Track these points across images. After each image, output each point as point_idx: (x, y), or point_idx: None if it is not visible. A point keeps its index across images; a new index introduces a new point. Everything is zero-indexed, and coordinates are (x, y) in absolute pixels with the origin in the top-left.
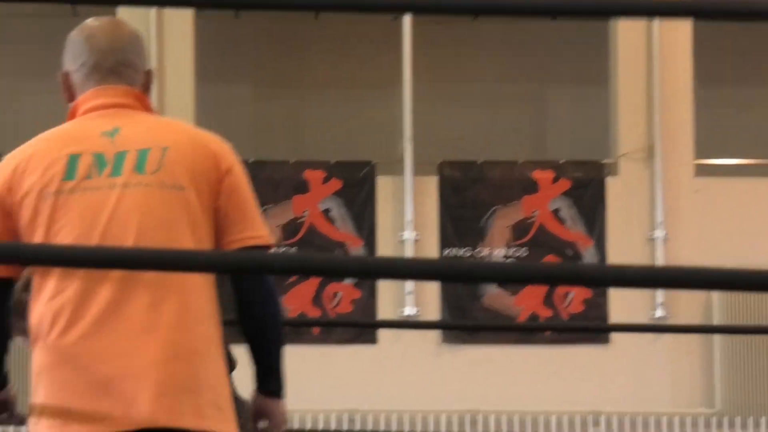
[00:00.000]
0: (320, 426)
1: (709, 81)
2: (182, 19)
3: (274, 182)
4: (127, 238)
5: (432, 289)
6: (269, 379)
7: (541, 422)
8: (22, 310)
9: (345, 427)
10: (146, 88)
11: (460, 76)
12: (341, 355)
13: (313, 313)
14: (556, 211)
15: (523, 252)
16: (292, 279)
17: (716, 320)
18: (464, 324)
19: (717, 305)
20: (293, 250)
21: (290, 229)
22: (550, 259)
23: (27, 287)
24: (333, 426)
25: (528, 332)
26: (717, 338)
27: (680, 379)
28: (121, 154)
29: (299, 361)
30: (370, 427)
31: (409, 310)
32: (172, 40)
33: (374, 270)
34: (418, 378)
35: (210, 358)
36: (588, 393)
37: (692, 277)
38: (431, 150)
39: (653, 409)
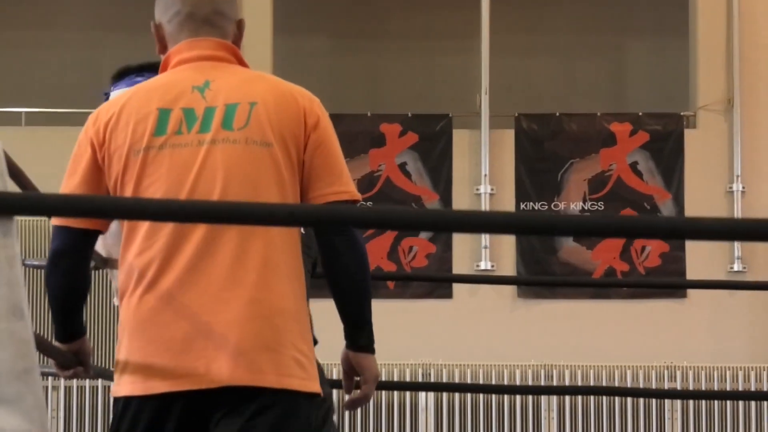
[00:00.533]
0: (395, 380)
1: None
2: None
3: (350, 136)
4: (213, 195)
5: (507, 244)
6: (359, 334)
7: (617, 376)
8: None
9: (420, 380)
10: (238, 38)
11: (538, 28)
12: (417, 309)
13: (389, 267)
14: (633, 164)
15: (599, 206)
16: (368, 233)
17: None
18: (540, 279)
19: None
20: (369, 203)
21: (366, 182)
22: (628, 212)
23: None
24: (408, 380)
25: (604, 286)
26: None
27: (757, 333)
28: (210, 109)
29: (375, 315)
30: (445, 380)
31: (484, 265)
32: None
33: (451, 223)
34: (493, 332)
35: (292, 317)
36: (665, 347)
37: None
38: (508, 103)
39: (730, 363)
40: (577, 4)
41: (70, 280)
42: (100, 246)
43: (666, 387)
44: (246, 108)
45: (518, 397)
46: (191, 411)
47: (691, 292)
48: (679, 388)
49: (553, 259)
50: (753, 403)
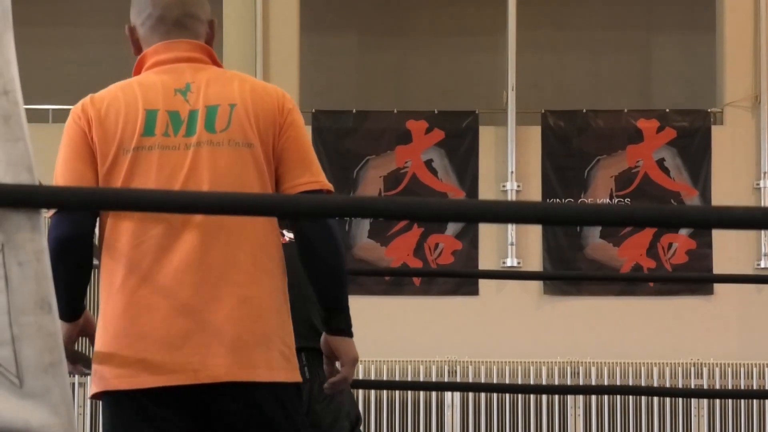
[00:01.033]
0: (420, 377)
1: None
2: None
3: (377, 132)
4: (196, 176)
5: (534, 240)
6: (336, 319)
7: (644, 373)
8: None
9: (446, 377)
10: (210, 38)
11: (565, 24)
12: (443, 306)
13: (415, 264)
14: (660, 161)
15: (626, 202)
16: (394, 230)
17: None
18: (566, 275)
19: None
20: None
21: (393, 179)
22: None
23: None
24: (434, 377)
25: (631, 283)
26: None
27: None
28: (194, 112)
29: (401, 312)
30: (470, 378)
31: (510, 262)
32: None
33: (474, 214)
34: (519, 329)
35: (278, 312)
36: (691, 344)
37: None
38: (535, 99)
39: (757, 359)
40: (603, 1)
41: (81, 264)
42: None
43: (692, 384)
44: (226, 109)
45: (544, 395)
46: (187, 405)
47: (717, 288)
48: (705, 385)
49: (580, 255)
50: None
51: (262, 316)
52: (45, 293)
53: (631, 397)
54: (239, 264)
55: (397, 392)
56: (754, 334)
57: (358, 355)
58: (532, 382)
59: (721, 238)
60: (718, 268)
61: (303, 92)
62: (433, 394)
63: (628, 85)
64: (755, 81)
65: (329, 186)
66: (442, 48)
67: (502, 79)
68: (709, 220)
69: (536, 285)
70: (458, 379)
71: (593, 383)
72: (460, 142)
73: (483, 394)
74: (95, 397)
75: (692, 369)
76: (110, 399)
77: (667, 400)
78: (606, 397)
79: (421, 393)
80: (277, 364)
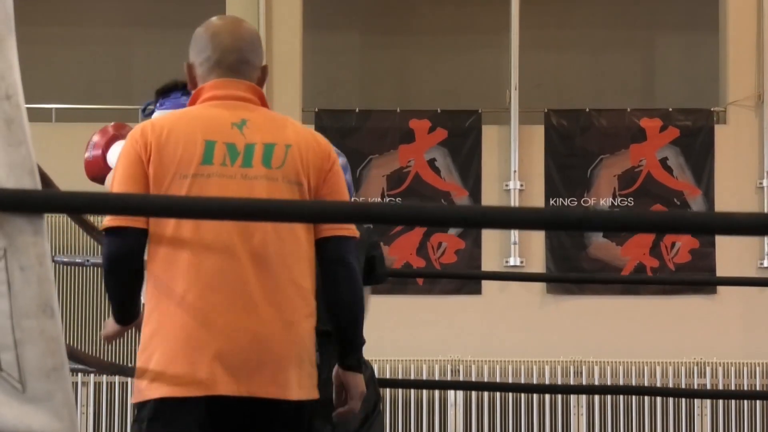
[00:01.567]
0: (424, 376)
1: None
2: None
3: (380, 132)
4: (257, 226)
5: (537, 240)
6: (350, 356)
7: (647, 373)
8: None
9: (449, 377)
10: (261, 82)
11: (568, 23)
12: (446, 305)
13: (418, 263)
14: (663, 160)
15: (629, 202)
16: (397, 229)
17: None
18: (569, 276)
19: None
20: (398, 200)
21: (396, 178)
22: (657, 208)
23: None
24: (437, 376)
25: (634, 283)
26: None
27: None
28: (250, 146)
29: (404, 311)
30: (473, 377)
31: (513, 261)
32: None
33: (480, 219)
34: (523, 328)
35: (310, 334)
36: (694, 343)
37: None
38: (538, 98)
39: (761, 358)
40: (606, 0)
41: (134, 278)
42: None
43: (696, 383)
44: (282, 149)
45: (547, 394)
46: (226, 415)
47: (721, 288)
48: (708, 384)
49: (583, 255)
50: None
51: (300, 339)
52: (47, 297)
53: (634, 396)
54: (283, 287)
55: (400, 391)
56: (758, 334)
57: (365, 389)
58: (535, 382)
59: (725, 238)
60: (721, 267)
61: (306, 91)
62: (437, 393)
63: (631, 84)
64: (758, 80)
65: (356, 233)
66: (445, 47)
67: (505, 78)
68: (713, 225)
69: (539, 284)
70: (461, 379)
71: (596, 382)
72: (463, 141)
73: (486, 394)
74: (155, 402)
75: (695, 368)
76: (157, 404)
77: (670, 399)
78: (609, 396)
79: (425, 392)
80: (307, 382)
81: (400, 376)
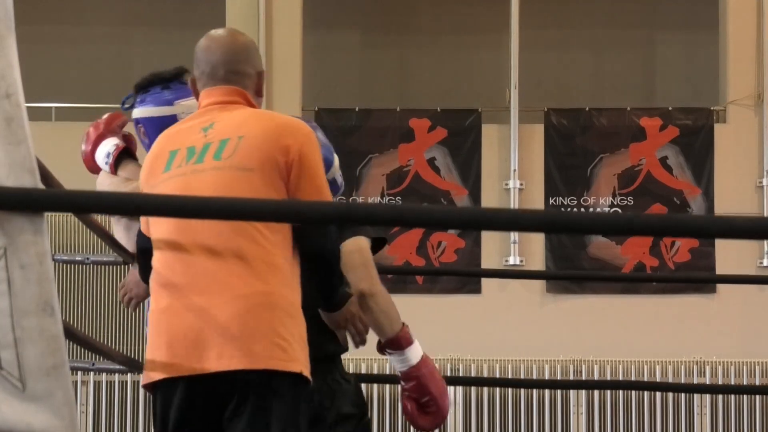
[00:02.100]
0: None
1: None
2: None
3: (379, 130)
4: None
5: (537, 239)
6: (327, 301)
7: (646, 372)
8: None
9: (449, 375)
10: (258, 88)
11: (568, 22)
12: (446, 304)
13: (417, 262)
14: (663, 159)
15: (629, 201)
16: (397, 228)
17: None
18: (569, 274)
19: None
20: (398, 199)
21: (395, 177)
22: (657, 207)
23: None
24: None
25: (634, 281)
26: None
27: None
28: (208, 144)
29: (403, 310)
30: (473, 376)
31: (513, 260)
32: None
33: (479, 221)
34: (523, 327)
35: (276, 308)
36: (694, 342)
37: None
38: (537, 97)
39: (760, 358)
40: None
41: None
42: (125, 241)
43: (695, 382)
44: (235, 141)
45: (547, 392)
46: (203, 392)
47: (720, 287)
48: (708, 383)
49: (583, 254)
50: None
51: (261, 311)
52: (47, 296)
53: (633, 394)
54: (240, 266)
55: (400, 390)
56: (757, 333)
57: (352, 310)
58: (534, 379)
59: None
60: (720, 266)
61: (306, 90)
62: None
63: (631, 83)
64: (758, 79)
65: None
66: (445, 46)
67: (505, 77)
68: (712, 230)
69: (539, 283)
70: (461, 376)
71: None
72: (463, 140)
73: (486, 392)
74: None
75: (695, 367)
76: (151, 388)
77: (670, 397)
78: (609, 394)
79: None
80: (273, 353)
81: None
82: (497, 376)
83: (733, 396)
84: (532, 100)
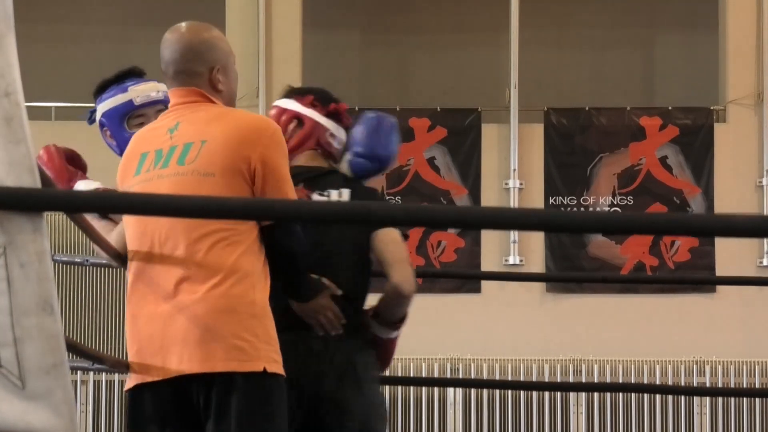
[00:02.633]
0: (423, 374)
1: None
2: None
3: None
4: (162, 219)
5: (536, 238)
6: (295, 295)
7: (646, 371)
8: None
9: (448, 375)
10: (215, 82)
11: (567, 22)
12: (445, 304)
13: (417, 261)
14: (663, 159)
15: (629, 200)
16: None
17: None
18: (569, 276)
19: None
20: (398, 198)
21: (395, 177)
22: (657, 207)
23: None
24: (436, 374)
25: (633, 282)
26: None
27: None
28: (173, 148)
29: None
30: (473, 376)
31: (513, 259)
32: None
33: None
34: (522, 327)
35: (234, 311)
36: (694, 342)
37: None
38: (537, 97)
39: (760, 357)
40: None
41: None
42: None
43: (695, 381)
44: (198, 146)
45: (547, 393)
46: (170, 397)
47: (720, 287)
48: (708, 382)
49: (582, 253)
50: None
51: (219, 315)
52: (47, 295)
53: (633, 394)
54: (199, 271)
55: (399, 389)
56: (757, 332)
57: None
58: (534, 380)
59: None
60: (720, 266)
61: None
62: (436, 391)
63: (631, 82)
64: (758, 78)
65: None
66: (445, 45)
67: (504, 76)
68: (711, 228)
69: (539, 283)
70: (461, 377)
71: (596, 381)
72: (463, 139)
73: (486, 392)
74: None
75: (695, 367)
76: (130, 394)
77: (670, 397)
78: (608, 394)
79: (424, 390)
80: (232, 355)
81: (399, 375)
82: (497, 375)
83: (733, 396)
84: (531, 100)
